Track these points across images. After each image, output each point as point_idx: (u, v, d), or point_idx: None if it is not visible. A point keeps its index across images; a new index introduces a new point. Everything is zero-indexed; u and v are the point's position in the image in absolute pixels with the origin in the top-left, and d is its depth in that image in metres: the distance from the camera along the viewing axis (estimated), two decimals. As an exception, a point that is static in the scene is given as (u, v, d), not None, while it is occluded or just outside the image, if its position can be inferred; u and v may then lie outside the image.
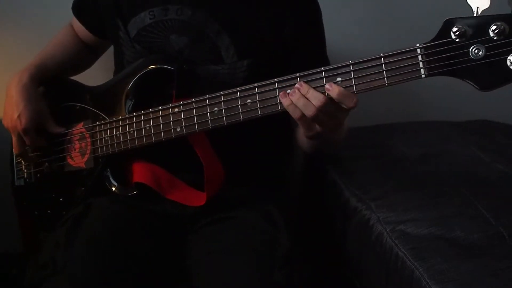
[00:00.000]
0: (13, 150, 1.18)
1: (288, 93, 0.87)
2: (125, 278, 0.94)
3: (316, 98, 0.84)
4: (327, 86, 0.84)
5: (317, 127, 0.89)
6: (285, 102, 0.87)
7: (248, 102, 0.91)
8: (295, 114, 0.87)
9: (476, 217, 1.10)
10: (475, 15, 0.76)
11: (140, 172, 1.08)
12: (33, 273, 0.98)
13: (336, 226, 1.30)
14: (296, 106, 0.86)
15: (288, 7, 1.08)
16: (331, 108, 0.85)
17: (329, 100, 0.84)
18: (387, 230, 1.10)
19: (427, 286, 0.94)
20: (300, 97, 0.85)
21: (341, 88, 0.83)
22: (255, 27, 1.07)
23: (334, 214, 1.31)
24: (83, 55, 1.29)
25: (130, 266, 0.96)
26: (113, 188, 1.08)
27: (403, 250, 1.03)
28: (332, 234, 1.32)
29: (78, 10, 1.23)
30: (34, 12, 1.56)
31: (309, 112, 0.85)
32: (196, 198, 1.05)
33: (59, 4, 1.56)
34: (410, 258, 1.01)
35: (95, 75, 1.31)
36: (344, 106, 0.85)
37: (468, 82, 0.77)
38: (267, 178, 1.17)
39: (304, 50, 1.09)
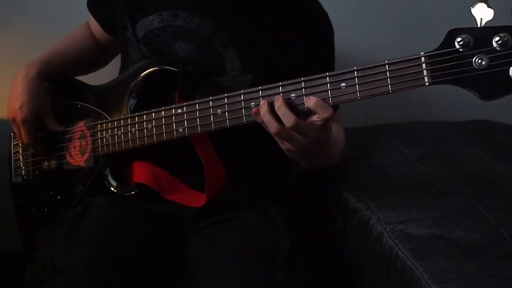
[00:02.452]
0: (22, 141, 1.15)
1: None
2: (125, 279, 0.94)
3: (286, 117, 0.85)
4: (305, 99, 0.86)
5: (287, 144, 0.90)
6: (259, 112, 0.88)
7: (252, 105, 0.91)
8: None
9: (476, 217, 1.10)
10: (478, 26, 0.77)
11: (141, 173, 1.07)
12: (33, 274, 0.98)
13: (336, 226, 1.30)
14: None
15: (300, 31, 1.08)
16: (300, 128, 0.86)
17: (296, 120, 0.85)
18: (387, 230, 1.09)
19: (427, 286, 0.94)
20: (267, 112, 0.87)
21: (318, 99, 0.85)
22: (263, 44, 1.07)
23: (334, 214, 1.31)
24: (95, 55, 1.29)
25: (130, 267, 0.96)
26: (112, 188, 1.08)
27: (403, 250, 1.03)
28: (332, 234, 1.32)
29: (93, 6, 1.23)
30: (34, 12, 1.56)
31: (273, 128, 0.86)
32: (196, 199, 1.05)
33: (59, 4, 1.57)
34: (410, 258, 1.01)
35: (101, 74, 1.31)
36: (320, 117, 0.85)
37: (470, 91, 0.78)
38: (268, 179, 1.17)
39: (309, 73, 1.10)
